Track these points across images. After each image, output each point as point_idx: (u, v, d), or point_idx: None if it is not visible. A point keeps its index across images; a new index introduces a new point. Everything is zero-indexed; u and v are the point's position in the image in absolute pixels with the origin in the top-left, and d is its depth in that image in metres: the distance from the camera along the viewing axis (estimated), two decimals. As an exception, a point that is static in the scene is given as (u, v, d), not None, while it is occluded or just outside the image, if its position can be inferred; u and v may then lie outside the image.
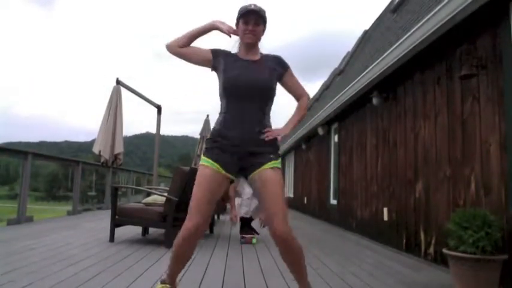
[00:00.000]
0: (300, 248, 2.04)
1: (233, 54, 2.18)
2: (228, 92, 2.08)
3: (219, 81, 2.13)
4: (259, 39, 2.16)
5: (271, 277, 3.06)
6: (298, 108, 2.25)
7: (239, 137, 2.03)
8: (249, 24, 2.08)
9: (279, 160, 2.08)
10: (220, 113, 2.13)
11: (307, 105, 2.30)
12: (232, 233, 5.82)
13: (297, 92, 2.25)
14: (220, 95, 2.13)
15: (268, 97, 2.11)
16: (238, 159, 2.05)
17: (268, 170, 2.01)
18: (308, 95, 2.31)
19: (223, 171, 2.03)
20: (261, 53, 2.20)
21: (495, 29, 3.29)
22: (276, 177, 2.02)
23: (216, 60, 2.13)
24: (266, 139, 2.04)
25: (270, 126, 2.13)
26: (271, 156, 2.04)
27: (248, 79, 2.06)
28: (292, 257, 2.04)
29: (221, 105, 2.13)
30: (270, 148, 2.07)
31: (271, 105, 2.15)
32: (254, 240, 4.75)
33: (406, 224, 4.68)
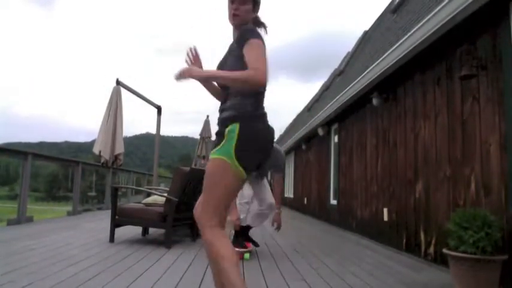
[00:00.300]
0: (213, 246, 1.71)
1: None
2: None
3: None
4: (245, 19, 1.93)
5: (271, 277, 3.06)
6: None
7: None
8: (234, 3, 1.92)
9: (221, 149, 1.77)
10: None
11: (245, 77, 1.71)
12: (232, 233, 5.81)
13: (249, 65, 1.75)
14: None
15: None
16: None
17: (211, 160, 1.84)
18: (256, 72, 1.70)
19: None
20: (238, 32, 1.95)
21: (495, 29, 3.29)
22: (209, 169, 1.81)
23: None
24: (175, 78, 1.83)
25: (239, 105, 1.84)
26: (215, 148, 1.82)
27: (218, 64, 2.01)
28: (207, 252, 1.77)
29: None
30: (220, 136, 1.84)
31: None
32: (247, 256, 3.89)
33: (406, 224, 4.68)
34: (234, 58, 1.86)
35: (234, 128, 1.77)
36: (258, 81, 1.71)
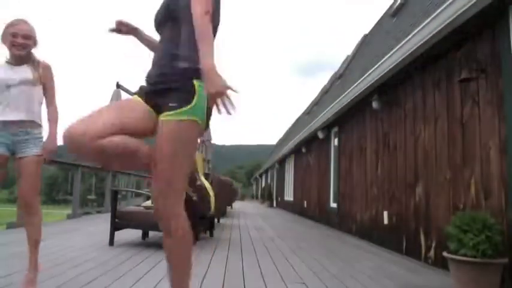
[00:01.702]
0: (185, 240, 1.59)
1: None
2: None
3: None
4: None
5: (271, 281, 3.06)
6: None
7: (150, 73, 1.64)
8: None
9: (186, 109, 1.49)
10: None
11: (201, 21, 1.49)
12: (233, 237, 5.81)
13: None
14: None
15: (171, 20, 1.63)
16: (151, 96, 1.57)
17: (164, 121, 1.50)
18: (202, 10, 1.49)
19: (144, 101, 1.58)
20: None
21: (494, 32, 3.30)
22: (168, 134, 1.48)
23: None
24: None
25: (188, 56, 1.56)
26: (172, 104, 1.49)
27: (159, 7, 1.70)
28: (172, 244, 1.59)
29: None
30: (176, 91, 1.51)
31: (186, 31, 1.58)
32: None
33: (406, 228, 4.67)
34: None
35: (202, 84, 1.48)
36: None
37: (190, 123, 1.49)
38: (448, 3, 3.42)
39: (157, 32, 1.72)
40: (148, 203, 4.77)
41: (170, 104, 1.48)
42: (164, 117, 1.48)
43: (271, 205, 19.72)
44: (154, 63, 1.64)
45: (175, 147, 1.47)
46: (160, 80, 1.56)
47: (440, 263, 3.73)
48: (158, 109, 1.55)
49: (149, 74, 1.64)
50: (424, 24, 3.86)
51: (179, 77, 1.53)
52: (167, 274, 1.67)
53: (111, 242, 4.37)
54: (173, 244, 1.56)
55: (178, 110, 1.47)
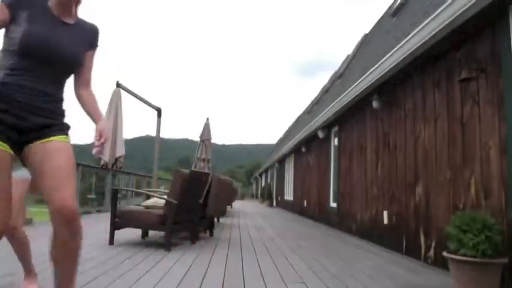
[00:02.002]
0: (79, 240, 1.71)
1: (41, 3, 1.75)
2: (26, 47, 1.65)
3: (12, 33, 1.66)
4: None
5: (271, 281, 3.06)
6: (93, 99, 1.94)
7: (32, 103, 1.68)
8: None
9: (68, 137, 1.82)
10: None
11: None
12: (232, 236, 5.81)
13: (87, 76, 1.91)
14: (8, 49, 1.68)
15: (71, 73, 1.85)
16: (22, 131, 1.68)
17: (55, 141, 1.71)
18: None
19: (9, 149, 1.64)
20: (77, 17, 1.85)
21: (494, 31, 3.30)
22: (69, 151, 1.74)
23: (17, 11, 1.67)
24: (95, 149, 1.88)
25: (63, 100, 1.86)
26: (65, 131, 1.80)
27: (56, 43, 1.71)
28: (74, 245, 1.69)
29: (4, 60, 1.69)
30: (62, 125, 1.81)
31: (64, 83, 1.87)
32: None
33: (406, 227, 4.68)
34: (83, 46, 1.85)
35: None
36: None
37: (71, 146, 1.83)
38: (447, 3, 3.42)
39: (40, 57, 1.70)
40: (149, 202, 4.77)
41: (64, 131, 1.82)
42: (59, 139, 1.75)
43: (271, 204, 19.74)
44: (36, 94, 1.71)
45: (73, 160, 1.79)
46: (48, 115, 1.76)
47: (440, 263, 3.73)
48: (37, 131, 1.73)
49: (30, 104, 1.69)
50: (424, 24, 3.86)
51: (62, 116, 1.85)
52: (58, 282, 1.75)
53: (111, 241, 4.37)
54: (77, 242, 1.71)
55: (68, 137, 1.82)
